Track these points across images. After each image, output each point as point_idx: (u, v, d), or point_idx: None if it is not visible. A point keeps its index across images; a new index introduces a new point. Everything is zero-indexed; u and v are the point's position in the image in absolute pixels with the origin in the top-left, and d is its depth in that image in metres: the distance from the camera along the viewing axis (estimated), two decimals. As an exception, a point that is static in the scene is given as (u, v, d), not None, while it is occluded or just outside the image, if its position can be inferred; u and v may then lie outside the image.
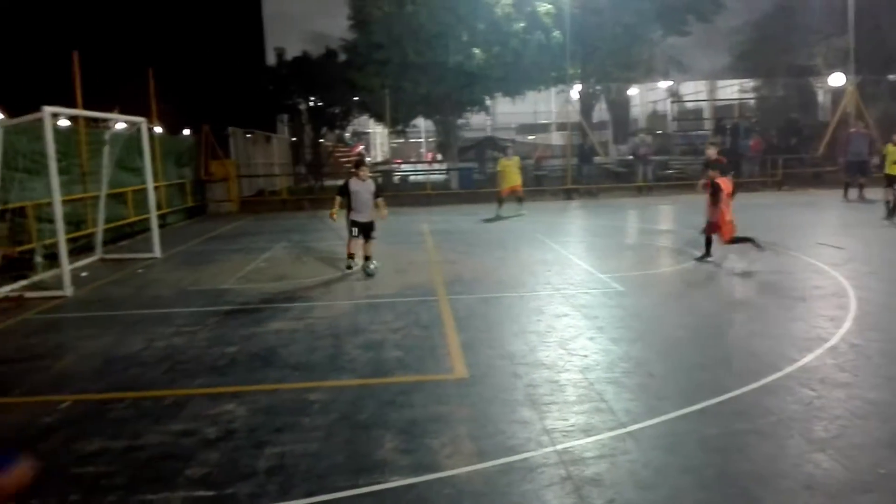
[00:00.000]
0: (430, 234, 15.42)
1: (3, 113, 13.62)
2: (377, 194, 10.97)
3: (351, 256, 10.93)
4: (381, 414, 5.12)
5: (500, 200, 18.37)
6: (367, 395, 5.52)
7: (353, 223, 10.87)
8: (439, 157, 31.24)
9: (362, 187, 10.86)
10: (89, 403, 5.55)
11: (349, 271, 10.79)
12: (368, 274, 10.53)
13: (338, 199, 10.90)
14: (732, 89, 35.59)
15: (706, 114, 36.21)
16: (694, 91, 38.21)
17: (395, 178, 29.11)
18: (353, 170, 11.17)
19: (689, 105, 36.94)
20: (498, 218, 17.62)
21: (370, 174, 11.70)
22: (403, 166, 33.91)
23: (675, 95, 33.29)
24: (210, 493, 4.00)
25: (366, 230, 10.90)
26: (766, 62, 29.59)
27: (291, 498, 3.91)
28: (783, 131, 28.86)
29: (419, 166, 33.74)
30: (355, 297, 9.28)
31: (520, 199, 18.77)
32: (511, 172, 18.55)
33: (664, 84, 33.13)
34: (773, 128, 29.27)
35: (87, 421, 5.17)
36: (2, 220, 10.13)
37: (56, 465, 4.40)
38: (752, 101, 33.43)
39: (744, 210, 18.66)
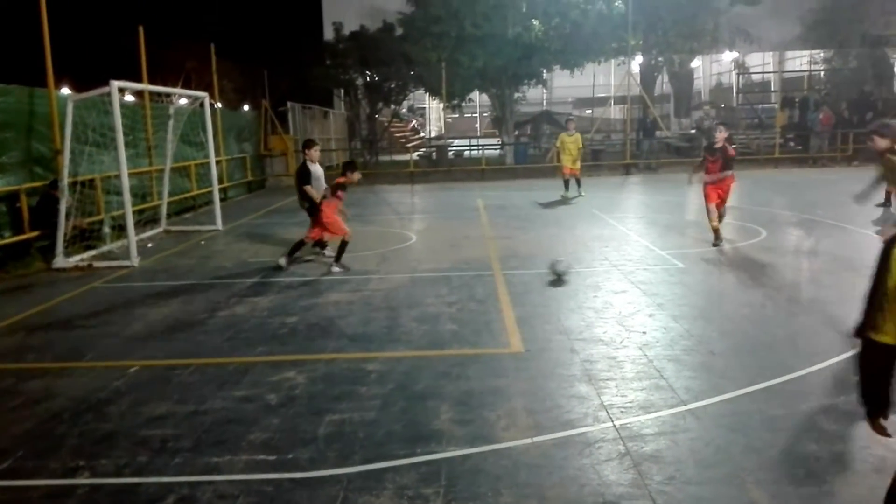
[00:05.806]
0: (484, 210, 15.33)
1: (71, 88, 14.05)
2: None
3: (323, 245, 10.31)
4: (437, 385, 5.13)
5: (565, 181, 16.55)
6: (423, 366, 5.54)
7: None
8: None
9: (315, 168, 9.88)
10: (156, 369, 5.73)
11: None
12: (279, 265, 9.49)
13: (312, 190, 9.56)
14: (802, 61, 34.08)
15: (773, 86, 34.87)
16: (761, 63, 36.78)
17: (450, 154, 29.01)
18: (304, 150, 10.05)
19: (756, 77, 35.56)
20: (564, 200, 16.17)
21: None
22: (457, 141, 33.76)
23: (741, 67, 32.03)
24: (271, 458, 4.09)
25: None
26: (839, 32, 28.18)
27: (350, 464, 3.96)
28: (855, 105, 27.55)
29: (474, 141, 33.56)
30: (410, 270, 9.31)
31: (577, 181, 16.72)
32: (569, 151, 16.36)
33: (730, 55, 31.94)
34: (844, 101, 27.98)
35: (154, 385, 5.34)
36: (72, 191, 10.48)
37: (125, 427, 4.57)
38: (823, 74, 31.99)
39: (810, 185, 18.06)
